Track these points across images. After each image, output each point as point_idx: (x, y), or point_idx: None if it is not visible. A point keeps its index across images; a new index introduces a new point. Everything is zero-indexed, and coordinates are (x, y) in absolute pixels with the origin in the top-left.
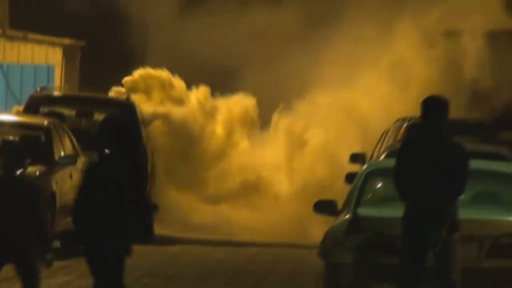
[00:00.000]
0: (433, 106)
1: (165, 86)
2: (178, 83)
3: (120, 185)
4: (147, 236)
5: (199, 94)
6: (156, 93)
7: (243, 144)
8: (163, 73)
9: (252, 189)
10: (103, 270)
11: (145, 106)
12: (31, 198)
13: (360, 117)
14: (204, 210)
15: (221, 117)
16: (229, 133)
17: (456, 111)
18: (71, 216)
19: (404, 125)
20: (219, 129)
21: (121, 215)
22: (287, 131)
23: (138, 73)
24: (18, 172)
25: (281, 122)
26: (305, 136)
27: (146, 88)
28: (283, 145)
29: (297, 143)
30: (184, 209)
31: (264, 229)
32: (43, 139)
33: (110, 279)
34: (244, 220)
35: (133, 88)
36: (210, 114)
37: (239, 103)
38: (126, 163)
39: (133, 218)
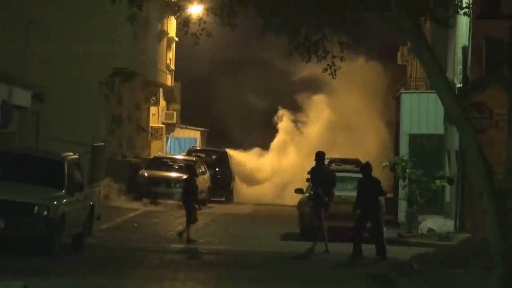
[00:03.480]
0: (318, 155)
1: None
2: None
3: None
4: (231, 201)
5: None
6: None
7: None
8: None
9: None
10: None
11: None
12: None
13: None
14: (253, 192)
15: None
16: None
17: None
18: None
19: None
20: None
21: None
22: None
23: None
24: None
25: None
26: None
27: None
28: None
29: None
30: (246, 191)
31: (276, 199)
32: (193, 164)
33: None
34: (269, 197)
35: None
36: None
37: None
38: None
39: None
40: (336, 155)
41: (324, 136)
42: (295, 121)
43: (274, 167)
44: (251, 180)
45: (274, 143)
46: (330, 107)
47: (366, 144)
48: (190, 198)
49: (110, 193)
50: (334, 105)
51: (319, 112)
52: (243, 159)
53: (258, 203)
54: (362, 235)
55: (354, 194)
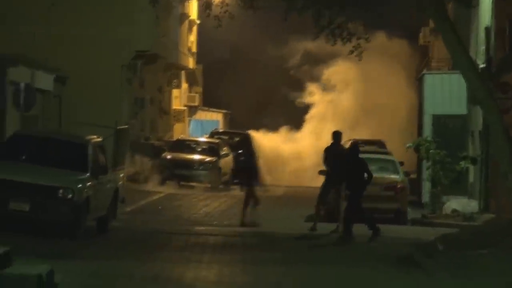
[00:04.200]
0: (335, 134)
1: None
2: None
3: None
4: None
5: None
6: None
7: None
8: None
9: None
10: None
11: None
12: None
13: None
14: (279, 176)
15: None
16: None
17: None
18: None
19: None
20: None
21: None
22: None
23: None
24: None
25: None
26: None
27: None
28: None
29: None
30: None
31: (299, 181)
32: (216, 147)
33: None
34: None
35: None
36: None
37: None
38: (248, 155)
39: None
40: (362, 134)
41: (352, 110)
42: (325, 89)
43: (306, 149)
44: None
45: (309, 119)
46: (353, 77)
47: (391, 123)
48: (251, 180)
49: (144, 171)
50: (358, 77)
51: (344, 79)
52: (272, 141)
53: (290, 186)
54: (367, 212)
55: (378, 175)
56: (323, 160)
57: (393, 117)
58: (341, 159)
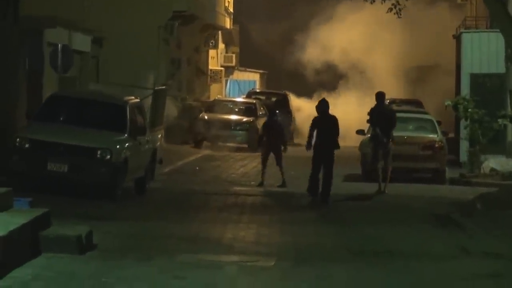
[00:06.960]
0: (378, 95)
1: None
2: None
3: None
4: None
5: None
6: None
7: None
8: None
9: None
10: None
11: None
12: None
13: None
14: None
15: None
16: None
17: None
18: None
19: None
20: None
21: None
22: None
23: None
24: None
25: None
26: None
27: None
28: None
29: None
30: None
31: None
32: (253, 107)
33: None
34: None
35: None
36: None
37: None
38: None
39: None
40: (399, 94)
41: (389, 68)
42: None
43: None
44: None
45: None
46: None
47: (429, 82)
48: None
49: (181, 131)
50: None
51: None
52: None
53: None
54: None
55: (416, 134)
56: (369, 121)
57: (431, 76)
58: (385, 119)
